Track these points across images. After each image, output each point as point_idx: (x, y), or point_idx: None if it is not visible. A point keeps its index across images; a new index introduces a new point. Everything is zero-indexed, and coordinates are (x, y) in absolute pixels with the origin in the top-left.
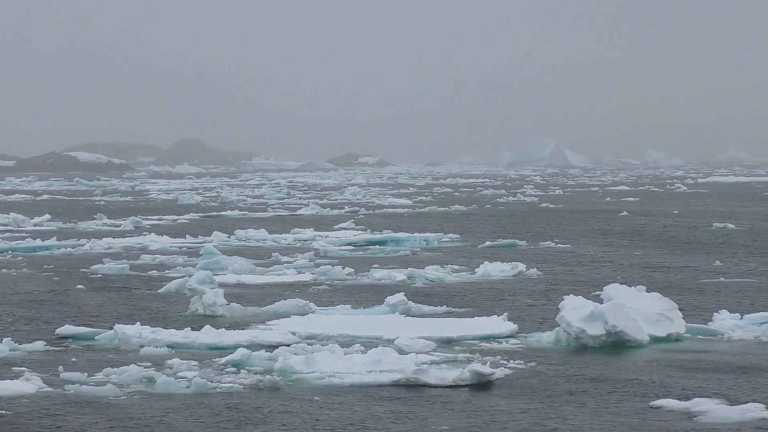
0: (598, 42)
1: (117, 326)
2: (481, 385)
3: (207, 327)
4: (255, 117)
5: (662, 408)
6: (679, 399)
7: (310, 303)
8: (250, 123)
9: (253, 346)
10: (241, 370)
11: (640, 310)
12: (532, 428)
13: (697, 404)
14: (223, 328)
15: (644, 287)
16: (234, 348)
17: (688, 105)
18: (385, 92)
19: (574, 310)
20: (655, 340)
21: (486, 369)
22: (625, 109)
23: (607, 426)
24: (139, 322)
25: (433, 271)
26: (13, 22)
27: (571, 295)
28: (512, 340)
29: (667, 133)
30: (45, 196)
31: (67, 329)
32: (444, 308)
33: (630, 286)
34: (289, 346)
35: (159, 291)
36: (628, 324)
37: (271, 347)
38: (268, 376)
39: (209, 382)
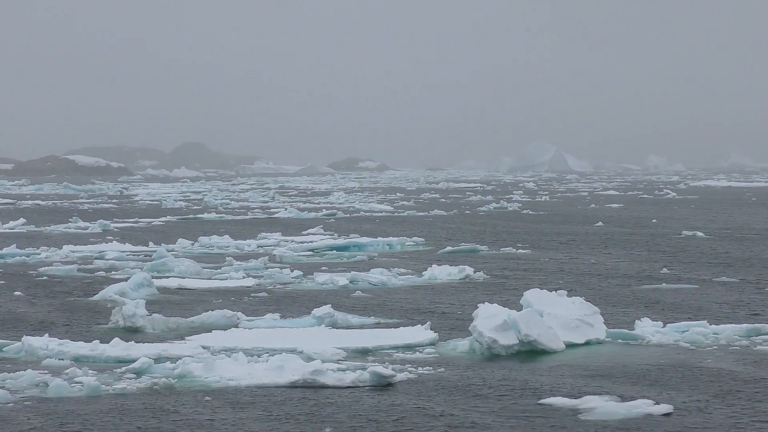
0: (600, 46)
1: (24, 338)
2: (381, 387)
3: (116, 340)
4: (258, 121)
5: (551, 405)
6: (569, 397)
7: (238, 313)
8: (252, 127)
9: (160, 359)
10: (141, 377)
11: (559, 316)
12: (421, 426)
13: (586, 401)
14: (133, 341)
15: (565, 292)
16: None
17: (692, 110)
18: (387, 97)
19: (487, 319)
20: (571, 346)
21: (386, 370)
22: (627, 115)
23: (492, 423)
24: (47, 334)
25: (377, 275)
26: (17, 24)
27: (486, 303)
28: (428, 349)
29: (670, 139)
30: (29, 200)
31: None
32: (372, 319)
33: (551, 291)
34: (193, 357)
35: (94, 298)
36: (542, 332)
37: (178, 359)
38: (163, 380)
39: (102, 385)
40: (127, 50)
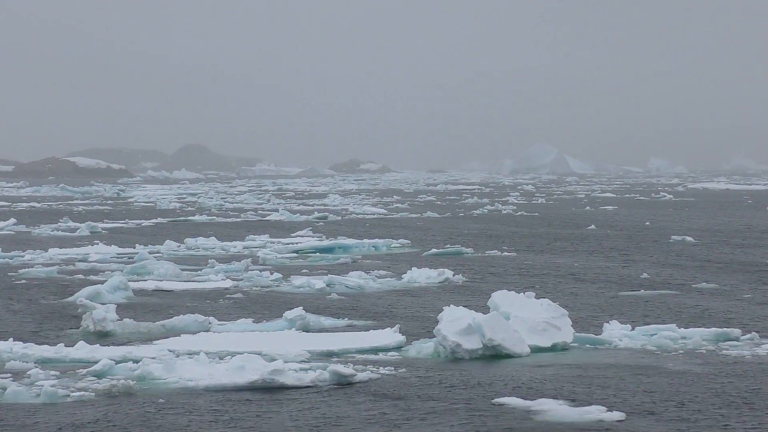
0: (603, 49)
1: None
2: (341, 386)
3: (81, 343)
4: (260, 123)
5: (503, 406)
6: (523, 399)
7: (210, 318)
8: (254, 129)
9: (122, 362)
10: (101, 380)
11: (526, 319)
12: (374, 424)
13: (540, 404)
14: (98, 345)
15: (533, 293)
16: None
17: (694, 113)
18: (390, 99)
19: (452, 323)
20: (537, 350)
21: (346, 370)
22: (629, 117)
23: (443, 421)
24: (11, 338)
25: (355, 278)
26: (18, 26)
27: (451, 305)
28: (393, 352)
29: (672, 141)
30: (25, 203)
31: None
32: (345, 321)
33: (519, 292)
34: (154, 358)
35: (68, 300)
36: (506, 336)
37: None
38: (122, 381)
39: (60, 390)
40: (129, 53)
